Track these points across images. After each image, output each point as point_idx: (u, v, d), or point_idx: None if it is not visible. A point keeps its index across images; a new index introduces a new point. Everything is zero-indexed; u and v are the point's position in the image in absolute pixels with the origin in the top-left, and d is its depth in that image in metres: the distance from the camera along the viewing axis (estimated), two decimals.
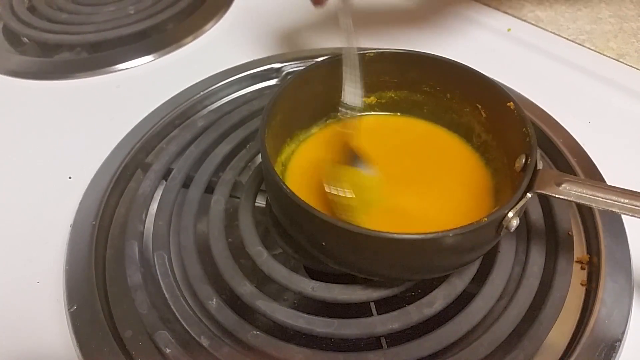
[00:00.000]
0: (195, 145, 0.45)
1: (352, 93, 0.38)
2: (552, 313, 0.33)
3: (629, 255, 0.37)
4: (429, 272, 0.33)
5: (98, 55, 0.61)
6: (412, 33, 0.62)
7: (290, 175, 0.39)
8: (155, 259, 0.37)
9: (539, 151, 0.33)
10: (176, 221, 0.40)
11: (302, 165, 0.40)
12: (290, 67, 0.54)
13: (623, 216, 0.39)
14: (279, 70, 0.55)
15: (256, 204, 0.40)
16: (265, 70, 0.54)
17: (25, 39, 0.66)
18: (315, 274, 0.36)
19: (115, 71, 0.57)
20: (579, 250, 0.39)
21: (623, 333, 0.33)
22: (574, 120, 0.48)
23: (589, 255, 0.38)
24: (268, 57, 0.56)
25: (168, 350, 0.32)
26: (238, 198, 0.41)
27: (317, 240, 0.31)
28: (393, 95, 0.43)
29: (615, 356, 0.32)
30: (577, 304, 0.35)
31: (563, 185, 0.31)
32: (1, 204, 0.43)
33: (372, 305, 0.35)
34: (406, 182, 0.39)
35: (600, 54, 0.58)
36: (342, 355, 0.31)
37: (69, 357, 0.33)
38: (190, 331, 0.33)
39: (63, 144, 0.49)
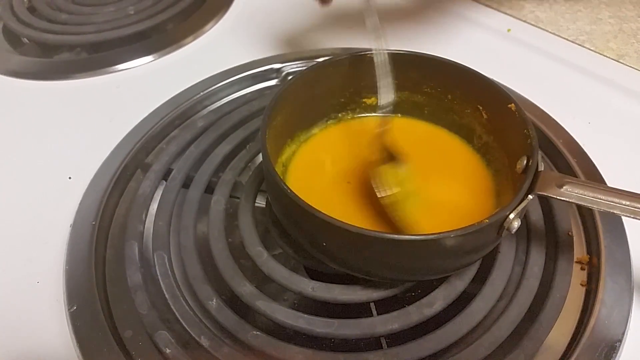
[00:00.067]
0: (195, 145, 0.45)
1: (385, 93, 0.38)
2: (552, 313, 0.33)
3: (629, 255, 0.37)
4: (430, 273, 0.33)
5: (98, 56, 0.61)
6: (412, 33, 0.62)
7: (291, 176, 0.39)
8: (155, 259, 0.37)
9: (539, 152, 0.33)
10: (176, 221, 0.40)
11: (303, 166, 0.40)
12: (290, 67, 0.55)
13: (623, 217, 0.39)
14: (279, 70, 0.55)
15: (256, 204, 0.40)
16: (265, 70, 0.54)
17: (25, 40, 0.66)
18: (315, 274, 0.36)
19: (115, 71, 0.57)
20: (579, 250, 0.39)
21: (623, 333, 0.33)
22: (574, 121, 0.48)
23: (589, 256, 0.38)
24: (268, 58, 0.56)
25: (168, 351, 0.32)
26: (238, 198, 0.41)
27: (318, 241, 0.31)
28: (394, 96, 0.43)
29: (615, 356, 0.32)
30: (577, 305, 0.35)
31: (564, 187, 0.31)
32: (1, 204, 0.43)
33: (372, 305, 0.35)
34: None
35: (600, 54, 0.58)
36: (342, 355, 0.31)
37: (69, 357, 0.33)
38: (190, 331, 0.33)
39: (63, 144, 0.48)
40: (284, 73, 0.54)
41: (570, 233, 0.38)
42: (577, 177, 0.42)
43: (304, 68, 0.40)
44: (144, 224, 0.40)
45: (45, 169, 0.46)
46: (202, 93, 0.52)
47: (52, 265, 0.38)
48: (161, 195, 0.41)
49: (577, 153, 0.45)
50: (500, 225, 0.30)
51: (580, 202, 0.31)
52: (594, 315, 0.33)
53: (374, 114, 0.44)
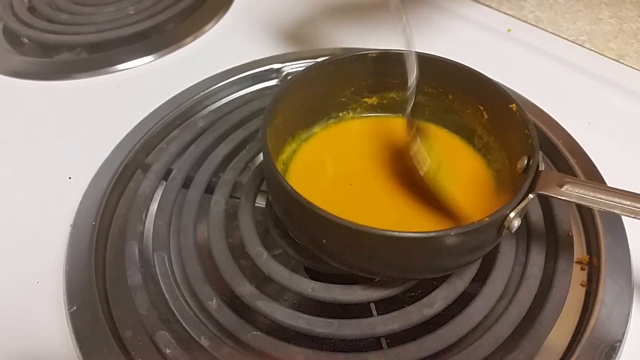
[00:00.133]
0: (195, 145, 0.45)
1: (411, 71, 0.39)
2: (552, 314, 0.33)
3: (629, 256, 0.37)
4: (430, 272, 0.33)
5: (98, 56, 0.61)
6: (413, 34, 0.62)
7: (292, 175, 0.39)
8: (155, 259, 0.37)
9: (539, 152, 0.33)
10: (176, 221, 0.40)
11: (304, 165, 0.40)
12: (290, 67, 0.55)
13: (623, 217, 0.39)
14: (279, 70, 0.55)
15: (256, 205, 0.40)
16: (265, 70, 0.54)
17: (25, 40, 0.66)
18: (315, 275, 0.36)
19: (115, 71, 0.57)
20: (579, 251, 0.39)
21: (623, 334, 0.33)
22: (574, 121, 0.48)
23: (589, 256, 0.38)
24: (268, 58, 0.56)
25: (168, 351, 0.32)
26: (238, 198, 0.41)
27: (318, 238, 0.31)
28: (395, 96, 0.43)
29: (616, 357, 0.32)
30: (577, 305, 0.35)
31: (565, 187, 0.31)
32: (1, 204, 0.43)
33: (372, 305, 0.35)
34: (408, 183, 0.39)
35: (600, 54, 0.58)
36: (342, 355, 0.31)
37: (69, 358, 0.33)
38: (190, 331, 0.33)
39: (63, 144, 0.48)
40: (284, 73, 0.54)
41: (570, 233, 0.38)
42: (577, 177, 0.42)
43: (306, 66, 0.40)
44: (144, 224, 0.40)
45: (45, 169, 0.46)
46: (202, 93, 0.52)
47: (52, 265, 0.38)
48: (161, 195, 0.41)
49: (577, 153, 0.45)
50: (501, 224, 0.30)
51: (580, 202, 0.31)
52: (594, 316, 0.33)
53: (375, 114, 0.44)
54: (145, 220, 0.40)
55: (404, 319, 0.32)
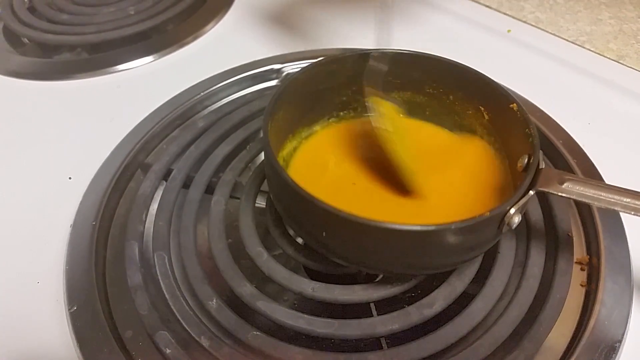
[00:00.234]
0: (196, 145, 0.45)
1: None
2: (552, 314, 0.33)
3: (629, 256, 0.37)
4: (430, 268, 0.33)
5: (98, 56, 0.61)
6: (413, 33, 0.62)
7: (291, 172, 0.39)
8: (156, 260, 0.37)
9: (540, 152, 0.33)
10: (176, 222, 0.40)
11: (304, 163, 0.40)
12: (290, 67, 0.55)
13: (623, 217, 0.39)
14: (279, 71, 0.55)
15: (256, 205, 0.40)
16: (265, 71, 0.55)
17: (25, 40, 0.66)
18: (315, 275, 0.36)
19: (116, 72, 0.57)
20: (579, 251, 0.39)
21: (623, 334, 0.33)
22: (574, 122, 0.48)
23: (588, 256, 0.38)
24: (268, 58, 0.56)
25: (168, 351, 0.32)
26: (238, 199, 0.41)
27: (317, 231, 0.31)
28: (395, 96, 0.43)
29: (615, 357, 0.32)
30: (577, 305, 0.35)
31: (565, 184, 0.31)
32: (1, 204, 0.43)
33: (372, 305, 0.35)
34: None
35: (600, 55, 0.58)
36: (342, 355, 0.31)
37: (69, 358, 0.33)
38: (190, 331, 0.33)
39: (63, 144, 0.49)
40: (284, 73, 0.55)
41: (570, 234, 0.38)
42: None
43: (308, 64, 0.40)
44: (144, 224, 0.40)
45: (46, 169, 0.46)
46: (202, 93, 0.52)
47: (52, 265, 0.38)
48: (161, 195, 0.41)
49: (577, 153, 0.45)
50: (501, 219, 0.30)
51: (581, 199, 0.31)
52: (594, 316, 0.34)
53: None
54: (146, 221, 0.40)
55: (404, 319, 0.32)
